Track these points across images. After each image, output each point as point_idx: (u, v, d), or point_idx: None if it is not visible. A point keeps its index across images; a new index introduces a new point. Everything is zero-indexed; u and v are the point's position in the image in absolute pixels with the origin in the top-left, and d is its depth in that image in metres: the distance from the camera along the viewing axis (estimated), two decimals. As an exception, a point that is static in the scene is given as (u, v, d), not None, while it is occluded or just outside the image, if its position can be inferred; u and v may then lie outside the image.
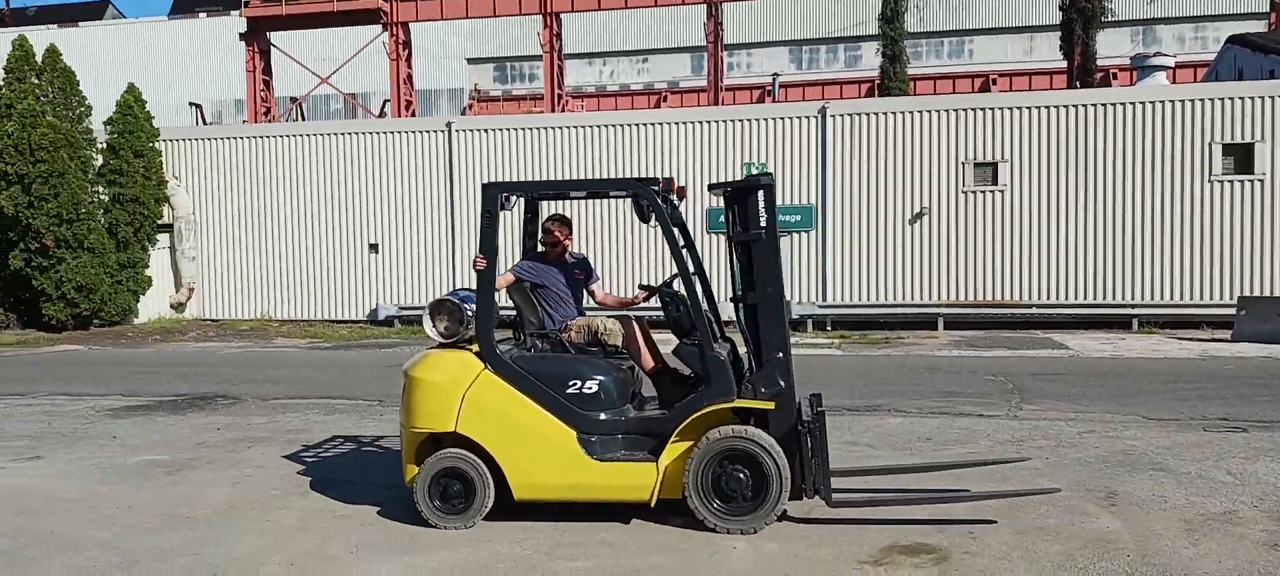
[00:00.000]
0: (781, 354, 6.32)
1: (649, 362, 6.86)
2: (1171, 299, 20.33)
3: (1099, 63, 36.92)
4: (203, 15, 51.68)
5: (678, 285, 6.60)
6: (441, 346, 6.75)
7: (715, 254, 19.32)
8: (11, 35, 28.46)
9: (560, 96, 36.31)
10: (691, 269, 6.51)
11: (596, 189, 8.26)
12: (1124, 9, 43.18)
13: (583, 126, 23.37)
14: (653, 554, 5.93)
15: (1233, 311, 18.37)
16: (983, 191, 21.13)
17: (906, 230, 21.48)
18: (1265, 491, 7.08)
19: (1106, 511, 6.66)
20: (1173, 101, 20.60)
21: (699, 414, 6.29)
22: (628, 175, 21.59)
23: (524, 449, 6.39)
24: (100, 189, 23.43)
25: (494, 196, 6.58)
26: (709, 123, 22.53)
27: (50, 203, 22.13)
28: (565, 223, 7.11)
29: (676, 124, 22.75)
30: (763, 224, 6.33)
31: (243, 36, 37.23)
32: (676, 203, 6.88)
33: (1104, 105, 20.83)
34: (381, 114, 40.52)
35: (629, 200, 6.78)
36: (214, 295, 25.16)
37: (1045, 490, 6.84)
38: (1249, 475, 7.57)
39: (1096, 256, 20.67)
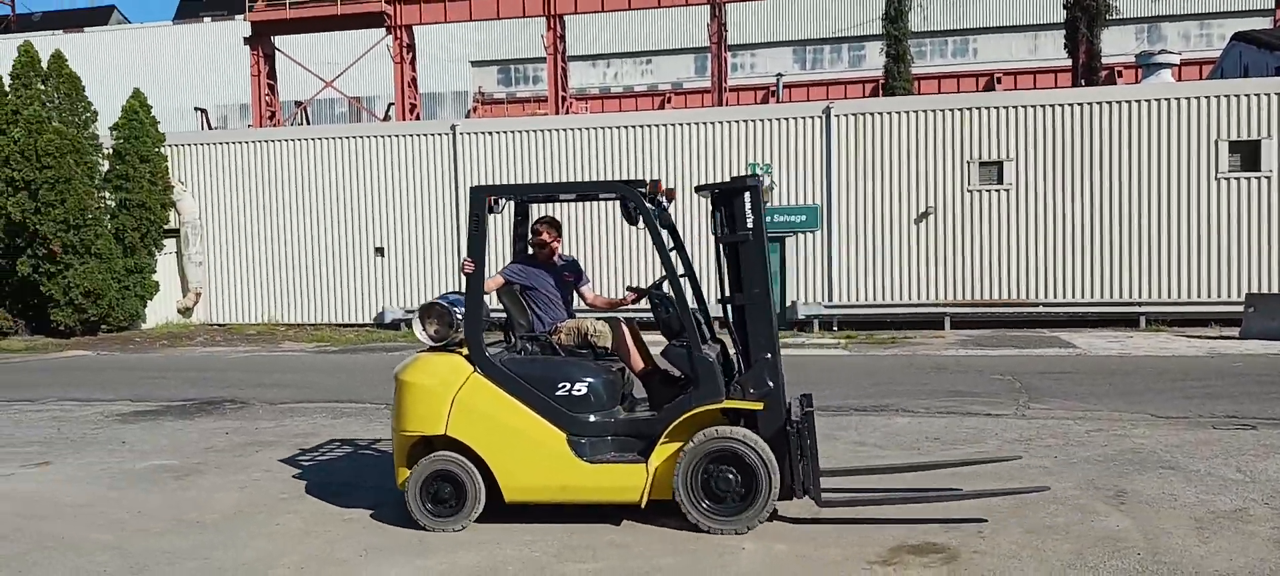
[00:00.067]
0: (769, 355, 6.32)
1: (639, 364, 6.87)
2: (1179, 296, 20.29)
3: (1104, 61, 36.88)
4: (207, 20, 51.80)
5: (667, 287, 6.61)
6: (431, 350, 6.76)
7: (711, 255, 19.26)
8: (17, 41, 28.58)
9: (564, 99, 36.35)
10: (680, 271, 6.51)
11: (585, 191, 8.23)
12: (1128, 7, 43.06)
13: (587, 128, 23.39)
14: (661, 555, 5.93)
15: (1241, 309, 18.34)
16: (988, 190, 21.10)
17: (912, 230, 21.45)
18: (1276, 489, 7.06)
19: (1116, 510, 6.64)
20: (1178, 99, 20.57)
21: (688, 415, 6.30)
22: (631, 177, 21.59)
23: (514, 451, 6.40)
24: (107, 194, 23.47)
25: (482, 200, 6.58)
26: (713, 124, 22.53)
27: (57, 208, 22.16)
28: (554, 225, 7.11)
29: (680, 125, 22.76)
30: (749, 225, 6.35)
31: (247, 41, 37.39)
32: (665, 204, 6.87)
33: (1109, 103, 20.79)
34: (386, 117, 40.56)
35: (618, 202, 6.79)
36: (221, 299, 25.20)
37: (1034, 488, 6.83)
38: (1259, 472, 7.54)
39: (1103, 254, 20.63)
